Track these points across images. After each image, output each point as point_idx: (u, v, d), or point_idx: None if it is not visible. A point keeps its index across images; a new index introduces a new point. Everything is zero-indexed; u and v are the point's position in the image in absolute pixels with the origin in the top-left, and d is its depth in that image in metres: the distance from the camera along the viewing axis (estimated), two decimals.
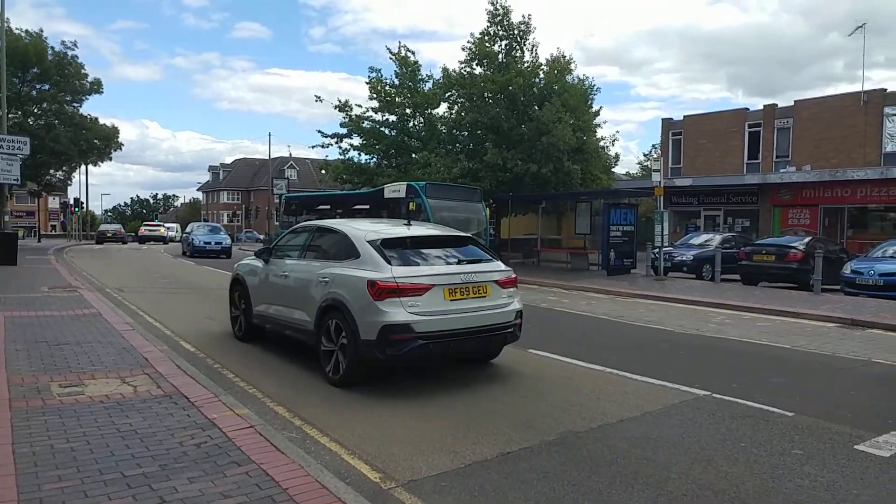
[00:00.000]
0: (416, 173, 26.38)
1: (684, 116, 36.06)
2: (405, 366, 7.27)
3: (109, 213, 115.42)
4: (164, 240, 51.49)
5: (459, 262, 7.06)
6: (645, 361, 8.13)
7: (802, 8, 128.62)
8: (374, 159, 30.37)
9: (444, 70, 26.57)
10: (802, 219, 27.91)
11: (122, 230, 56.45)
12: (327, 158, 34.10)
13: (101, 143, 40.62)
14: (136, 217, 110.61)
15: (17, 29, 33.35)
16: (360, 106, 29.89)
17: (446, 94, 26.91)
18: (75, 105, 37.49)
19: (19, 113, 35.08)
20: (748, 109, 33.68)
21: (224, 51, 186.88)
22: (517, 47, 25.18)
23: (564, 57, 25.36)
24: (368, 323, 6.38)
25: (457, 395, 6.44)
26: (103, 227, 57.96)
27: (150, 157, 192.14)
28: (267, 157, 65.02)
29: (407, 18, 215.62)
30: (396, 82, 29.37)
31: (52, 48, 34.79)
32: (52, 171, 40.53)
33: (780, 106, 32.04)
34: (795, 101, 31.47)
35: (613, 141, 28.91)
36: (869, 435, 5.29)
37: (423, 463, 4.60)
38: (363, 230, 7.35)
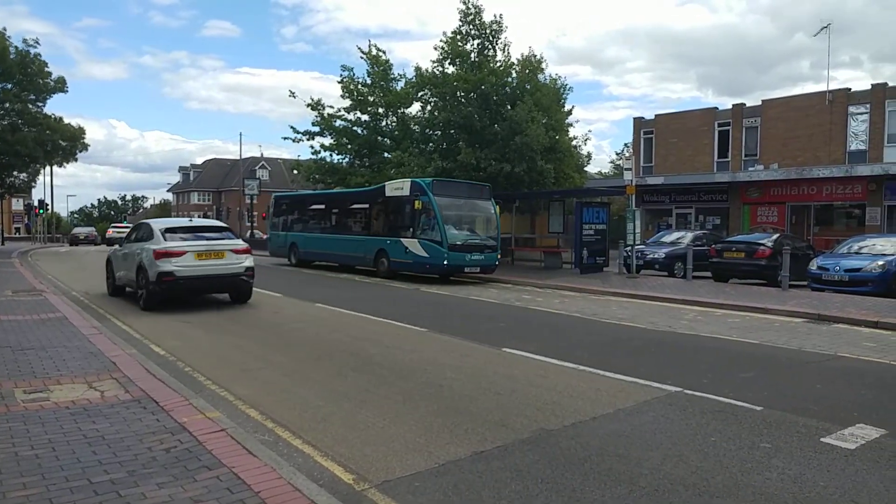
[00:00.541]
0: (390, 173, 26.28)
1: (656, 115, 36.38)
2: (176, 297, 12.65)
3: (76, 215, 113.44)
4: None
5: (209, 240, 12.92)
6: (618, 359, 8.20)
7: (769, 9, 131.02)
8: (347, 159, 30.25)
9: (417, 69, 26.52)
10: (771, 216, 28.37)
11: (95, 233, 56.05)
12: (299, 158, 33.85)
13: (67, 144, 39.76)
14: (103, 219, 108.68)
15: None
16: (332, 106, 29.82)
17: (419, 94, 26.86)
18: (39, 104, 36.70)
19: None
20: (717, 108, 34.12)
21: (193, 49, 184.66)
22: (489, 46, 25.23)
23: (536, 56, 25.49)
24: (153, 272, 12.04)
25: (431, 395, 6.43)
26: (76, 230, 58.16)
27: (117, 157, 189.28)
28: (238, 158, 64.26)
29: (379, 17, 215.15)
30: (369, 81, 29.29)
31: (16, 47, 34.01)
32: (15, 173, 39.67)
33: (748, 105, 32.52)
34: (763, 101, 31.96)
35: (586, 140, 29.17)
36: (835, 428, 5.39)
37: (397, 463, 4.59)
38: (158, 223, 13.84)
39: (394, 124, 29.53)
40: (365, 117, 29.48)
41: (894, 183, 24.83)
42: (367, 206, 21.55)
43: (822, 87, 30.77)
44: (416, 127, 27.92)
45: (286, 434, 5.24)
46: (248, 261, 13.11)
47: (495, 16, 25.49)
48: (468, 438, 5.10)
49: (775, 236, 19.51)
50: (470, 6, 24.78)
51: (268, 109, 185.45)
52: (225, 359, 8.14)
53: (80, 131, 40.59)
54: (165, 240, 12.46)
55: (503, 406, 6.01)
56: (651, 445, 4.99)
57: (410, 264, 18.89)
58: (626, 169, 20.88)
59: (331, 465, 4.58)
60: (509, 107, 23.84)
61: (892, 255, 15.60)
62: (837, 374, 7.62)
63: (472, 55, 25.02)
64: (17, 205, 79.97)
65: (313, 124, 29.59)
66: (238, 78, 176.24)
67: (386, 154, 28.94)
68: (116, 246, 14.85)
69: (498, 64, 24.92)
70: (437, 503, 3.97)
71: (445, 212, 18.27)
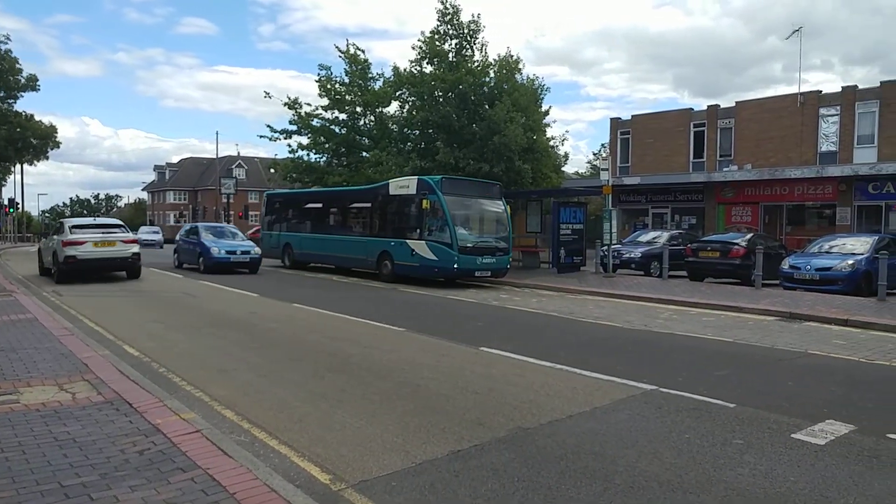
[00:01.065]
0: (368, 172, 26.18)
1: (632, 116, 36.68)
2: (78, 275, 17.09)
3: (47, 214, 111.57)
4: None
5: (105, 233, 17.76)
6: (594, 357, 8.26)
7: (742, 12, 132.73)
8: (324, 158, 30.11)
9: (395, 69, 26.50)
10: (745, 216, 28.77)
11: None
12: (276, 157, 33.59)
13: (39, 142, 39.16)
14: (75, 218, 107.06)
15: None
16: (309, 105, 29.68)
17: (397, 93, 26.84)
18: (10, 102, 36.08)
19: None
20: (693, 109, 34.48)
21: (169, 47, 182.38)
22: (467, 46, 25.28)
23: (513, 56, 25.59)
24: (62, 256, 16.82)
25: (408, 395, 6.43)
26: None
27: (90, 155, 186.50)
28: (215, 157, 63.67)
29: (358, 16, 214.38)
30: (346, 80, 29.21)
31: None
32: None
33: (722, 106, 32.92)
34: (737, 102, 32.36)
35: (563, 140, 29.24)
36: (805, 424, 5.48)
37: (374, 463, 4.58)
38: (70, 221, 19.20)
39: (372, 123, 29.47)
40: (343, 116, 29.39)
41: (864, 184, 25.33)
42: (368, 204, 20.39)
43: (794, 90, 31.30)
44: (394, 126, 27.88)
45: (262, 435, 5.20)
46: (134, 248, 18.26)
47: (473, 15, 25.62)
48: (445, 438, 5.11)
49: (749, 236, 19.80)
50: (448, 6, 24.82)
51: (245, 108, 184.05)
52: (201, 360, 8.06)
53: (52, 129, 39.99)
54: (72, 233, 17.36)
55: (480, 405, 6.03)
56: (626, 443, 5.04)
57: (417, 268, 17.78)
58: (603, 169, 21.04)
59: (307, 465, 4.56)
60: (487, 107, 23.89)
61: (862, 254, 15.90)
62: (808, 371, 7.76)
63: (450, 55, 25.06)
64: None
65: (290, 123, 29.44)
66: (215, 76, 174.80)
67: (364, 153, 28.87)
68: (44, 239, 21.04)
69: (476, 64, 24.98)
70: (414, 502, 3.98)
71: (455, 211, 17.20)
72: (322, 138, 29.16)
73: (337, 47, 29.37)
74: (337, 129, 29.41)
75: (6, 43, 34.35)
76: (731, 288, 16.66)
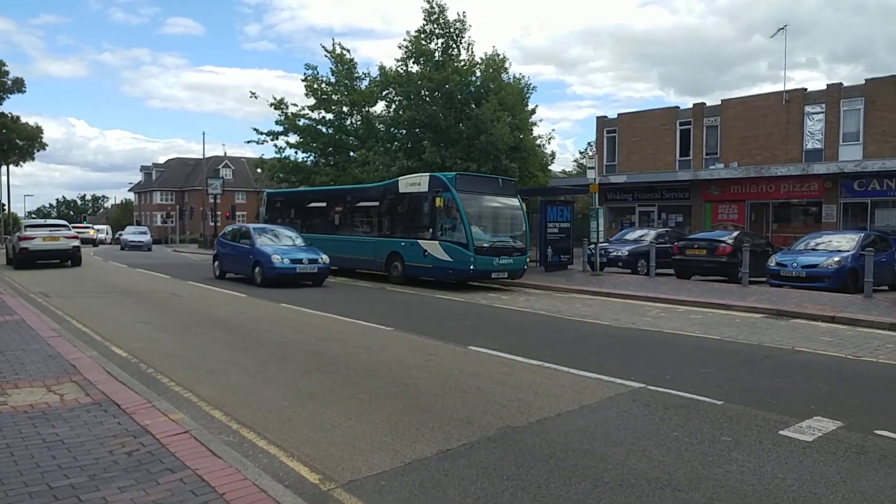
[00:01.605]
0: (355, 171, 26.13)
1: (619, 114, 36.80)
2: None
3: (33, 215, 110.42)
4: (93, 242, 49.62)
5: (51, 231, 23.84)
6: (582, 356, 8.29)
7: (727, 10, 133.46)
8: (311, 157, 30.03)
9: (381, 68, 26.45)
10: (731, 214, 28.96)
11: None
12: (263, 157, 33.45)
13: (24, 143, 38.83)
14: (62, 219, 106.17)
15: None
16: (295, 105, 29.62)
17: (383, 92, 26.79)
18: None
19: None
20: (679, 108, 34.67)
21: (155, 47, 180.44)
22: (453, 45, 25.27)
23: (500, 55, 25.61)
24: (18, 248, 22.71)
25: (397, 394, 6.43)
26: None
27: (77, 156, 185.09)
28: (201, 157, 63.30)
29: (344, 16, 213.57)
30: (333, 80, 29.16)
31: None
32: None
33: (708, 105, 33.09)
34: (722, 101, 32.55)
35: (550, 139, 29.28)
36: (793, 420, 5.53)
37: (363, 463, 4.58)
38: (26, 222, 30.50)
39: (358, 123, 29.44)
40: (329, 116, 29.34)
41: (849, 181, 25.55)
42: (376, 203, 19.61)
43: (779, 88, 31.62)
44: (381, 126, 27.84)
45: (251, 435, 5.18)
46: (75, 242, 23.79)
47: (459, 14, 25.53)
48: (434, 437, 5.12)
49: (736, 233, 19.95)
50: (434, 5, 24.79)
51: (231, 108, 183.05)
52: (189, 360, 8.02)
53: (38, 130, 39.65)
54: (26, 231, 23.62)
55: (469, 404, 6.03)
56: (615, 441, 5.06)
57: (430, 269, 17.08)
58: (590, 167, 21.14)
59: (296, 465, 4.55)
60: (474, 106, 23.89)
61: (848, 251, 16.06)
62: (795, 368, 7.82)
63: (437, 54, 25.04)
64: None
65: (277, 123, 29.35)
66: (201, 76, 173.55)
67: (351, 153, 28.83)
68: (7, 237, 24.67)
69: (462, 63, 24.98)
70: (403, 502, 3.98)
71: (470, 209, 16.45)
72: (309, 138, 29.09)
73: (323, 47, 29.46)
74: (324, 129, 29.36)
75: None
76: (718, 285, 16.77)
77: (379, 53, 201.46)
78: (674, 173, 31.22)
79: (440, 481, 4.25)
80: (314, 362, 7.86)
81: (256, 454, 4.74)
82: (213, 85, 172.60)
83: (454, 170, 22.79)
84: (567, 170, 64.08)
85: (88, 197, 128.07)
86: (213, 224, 48.35)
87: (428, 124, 23.97)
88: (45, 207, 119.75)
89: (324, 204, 22.81)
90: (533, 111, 27.03)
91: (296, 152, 29.76)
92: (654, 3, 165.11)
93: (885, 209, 25.21)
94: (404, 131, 26.32)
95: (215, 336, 9.73)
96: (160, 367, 7.52)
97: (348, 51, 29.58)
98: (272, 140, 29.67)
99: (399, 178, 19.25)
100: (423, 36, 25.08)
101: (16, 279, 18.53)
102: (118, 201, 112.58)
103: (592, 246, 20.12)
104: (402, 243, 17.84)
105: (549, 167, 33.45)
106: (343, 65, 29.13)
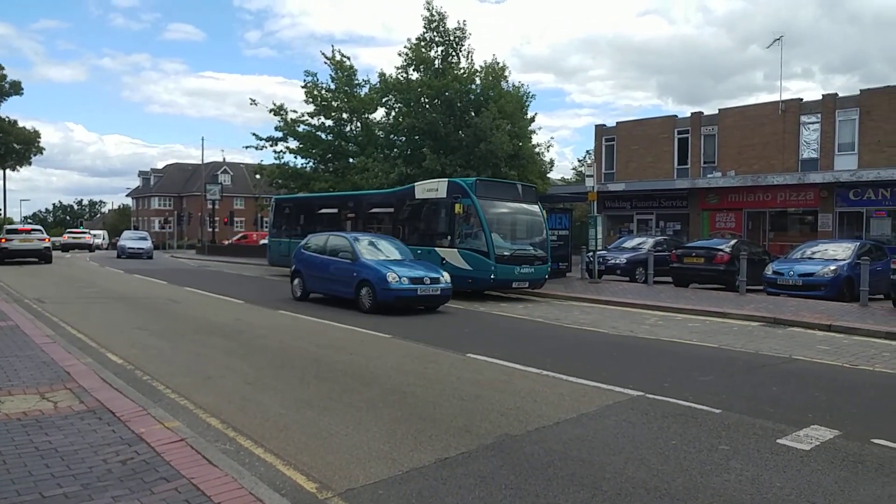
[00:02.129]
0: (354, 178, 26.14)
1: (617, 123, 36.90)
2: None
3: (29, 220, 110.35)
4: (89, 247, 49.55)
5: (28, 234, 29.24)
6: (581, 363, 8.27)
7: (724, 21, 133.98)
8: (311, 163, 30.06)
9: (381, 75, 26.54)
10: (728, 222, 29.03)
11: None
12: (262, 163, 33.47)
13: (21, 147, 38.83)
14: (58, 224, 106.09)
15: None
16: (295, 111, 29.67)
17: (383, 99, 26.88)
18: None
19: None
20: (677, 116, 34.78)
21: (155, 53, 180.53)
22: (453, 53, 25.38)
23: (499, 63, 25.70)
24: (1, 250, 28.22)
25: (395, 402, 6.40)
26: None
27: (74, 161, 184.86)
28: (200, 162, 63.31)
29: (344, 23, 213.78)
30: (333, 87, 29.23)
31: None
32: None
33: (706, 114, 33.22)
34: (720, 110, 32.69)
35: (549, 147, 29.57)
36: (791, 429, 5.51)
37: (361, 471, 4.55)
38: (6, 227, 32.54)
39: (358, 130, 29.50)
40: (329, 122, 29.39)
41: (845, 190, 25.64)
42: (391, 209, 18.92)
43: (775, 97, 31.61)
44: (381, 132, 27.91)
45: (248, 443, 5.15)
46: (47, 243, 29.13)
47: (459, 22, 25.64)
48: (432, 445, 5.09)
49: (733, 242, 19.96)
50: (434, 13, 24.89)
51: (231, 114, 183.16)
52: (185, 367, 7.99)
53: (35, 134, 39.66)
54: (5, 233, 28.50)
55: (467, 412, 6.01)
56: (613, 449, 5.04)
57: None
58: (588, 175, 21.17)
59: (294, 473, 4.52)
60: (473, 113, 23.97)
61: (844, 260, 16.07)
62: (792, 376, 7.81)
63: (437, 62, 25.14)
64: None
65: (276, 129, 29.40)
66: (201, 82, 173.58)
67: (350, 159, 28.86)
68: None
69: (462, 71, 25.07)
70: None
71: (490, 216, 15.86)
72: (308, 144, 29.13)
73: (323, 54, 29.55)
74: (323, 136, 29.41)
75: None
76: (716, 293, 16.77)
77: (379, 60, 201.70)
78: (672, 182, 31.29)
79: (438, 490, 4.22)
80: (312, 369, 7.83)
81: (253, 462, 4.71)
82: (213, 91, 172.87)
83: (453, 177, 22.76)
84: (566, 177, 64.28)
85: (85, 202, 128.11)
86: (210, 230, 48.38)
87: (427, 131, 24.02)
88: (41, 212, 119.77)
89: (335, 210, 21.98)
90: (532, 119, 27.16)
91: (295, 158, 29.80)
92: (652, 13, 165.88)
93: (880, 219, 25.29)
94: (404, 138, 26.39)
95: (213, 342, 9.69)
96: (156, 374, 7.49)
97: (348, 58, 29.71)
98: (271, 146, 29.71)
99: (416, 184, 18.61)
100: (423, 43, 25.18)
101: (10, 284, 18.47)
102: (116, 206, 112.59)
103: (591, 253, 20.11)
104: (419, 251, 16.67)
105: (548, 175, 33.49)
106: (343, 71, 29.22)
